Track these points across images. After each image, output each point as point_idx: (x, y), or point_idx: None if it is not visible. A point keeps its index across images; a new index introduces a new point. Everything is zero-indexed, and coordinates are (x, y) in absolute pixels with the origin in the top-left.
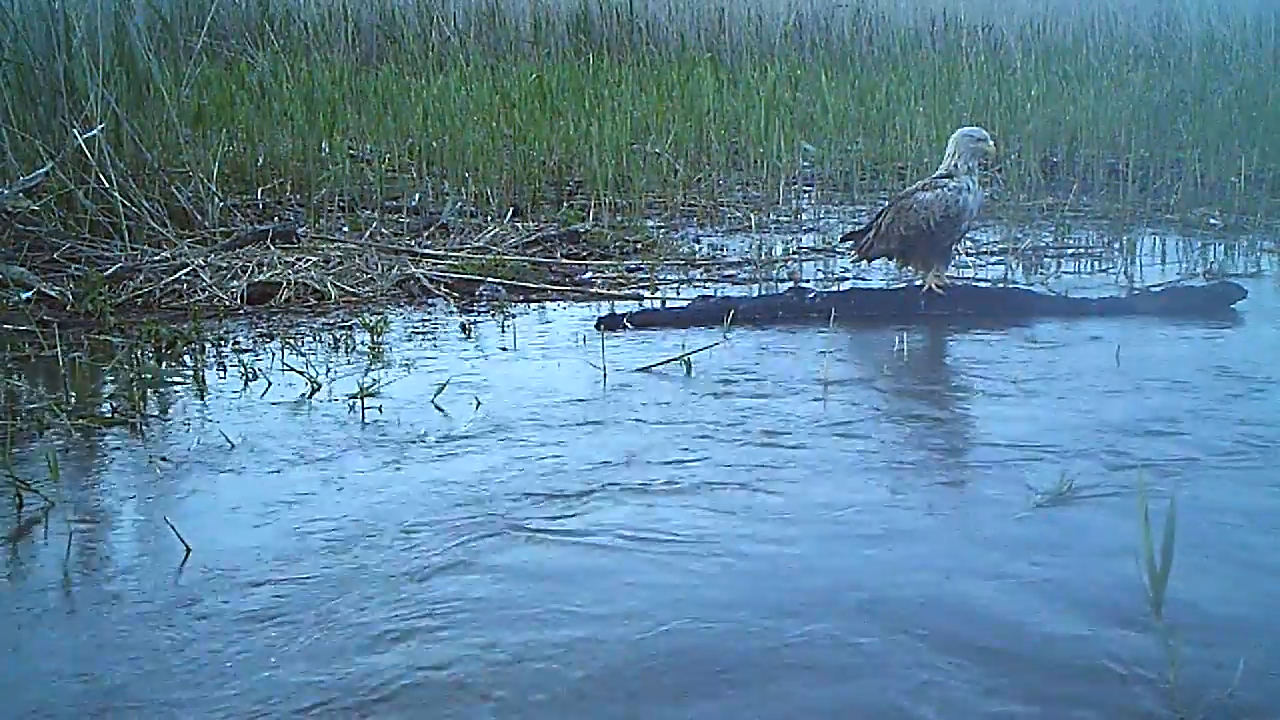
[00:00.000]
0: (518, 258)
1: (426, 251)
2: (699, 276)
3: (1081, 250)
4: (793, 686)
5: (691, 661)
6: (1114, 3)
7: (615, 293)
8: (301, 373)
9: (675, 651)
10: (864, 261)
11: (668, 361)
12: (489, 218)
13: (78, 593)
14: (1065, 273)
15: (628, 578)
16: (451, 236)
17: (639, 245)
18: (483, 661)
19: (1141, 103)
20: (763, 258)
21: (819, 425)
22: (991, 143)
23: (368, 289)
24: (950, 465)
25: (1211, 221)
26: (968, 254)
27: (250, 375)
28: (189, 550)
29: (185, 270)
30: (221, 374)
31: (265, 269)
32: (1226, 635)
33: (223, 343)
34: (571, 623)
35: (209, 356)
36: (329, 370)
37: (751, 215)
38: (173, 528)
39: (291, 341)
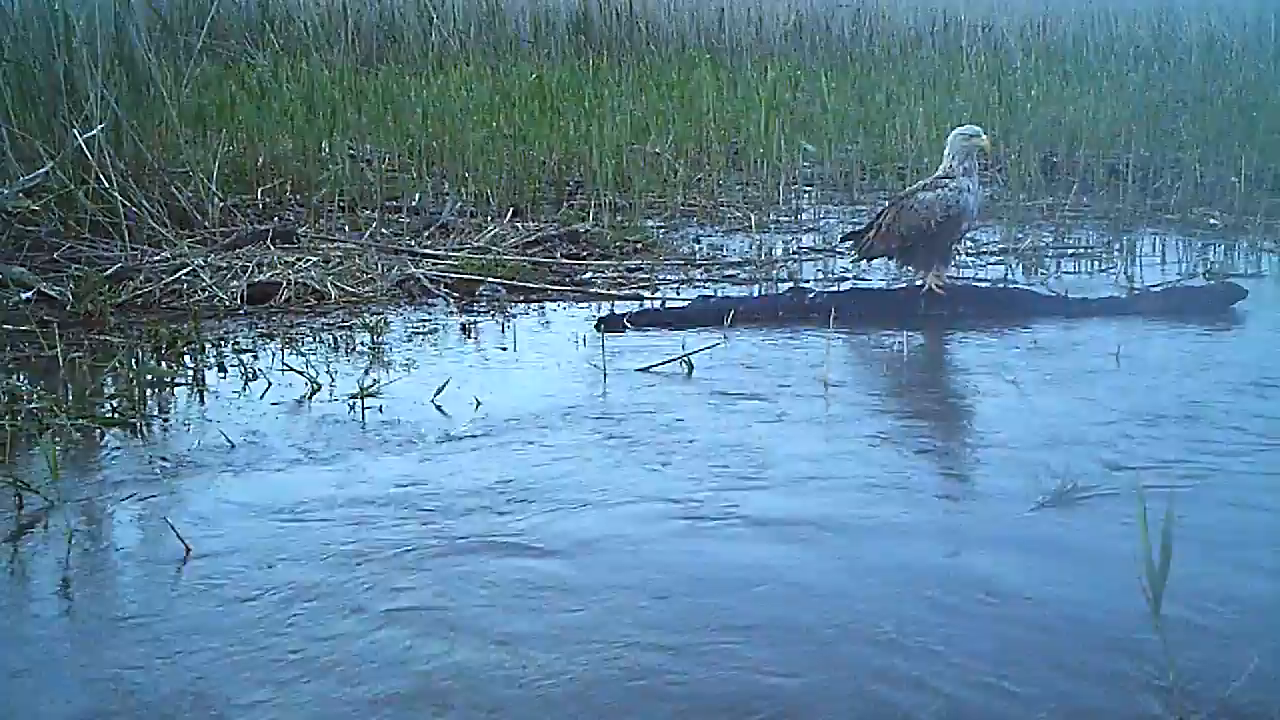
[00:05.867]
0: (518, 258)
1: (426, 251)
2: (699, 276)
3: (1081, 250)
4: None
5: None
6: (1114, 3)
7: (615, 293)
8: (301, 373)
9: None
10: (864, 261)
11: (668, 362)
12: (489, 218)
13: (77, 592)
14: (1065, 273)
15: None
16: (451, 236)
17: (639, 245)
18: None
19: (1141, 103)
20: (763, 258)
21: (820, 426)
22: (985, 137)
23: (368, 289)
24: (951, 465)
25: (1211, 221)
26: (968, 254)
27: (250, 375)
28: (188, 550)
29: (185, 270)
30: (221, 374)
31: (265, 269)
32: (1227, 635)
33: (223, 343)
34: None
35: (209, 356)
36: (329, 370)
37: (751, 215)
38: (172, 528)
39: (291, 341)
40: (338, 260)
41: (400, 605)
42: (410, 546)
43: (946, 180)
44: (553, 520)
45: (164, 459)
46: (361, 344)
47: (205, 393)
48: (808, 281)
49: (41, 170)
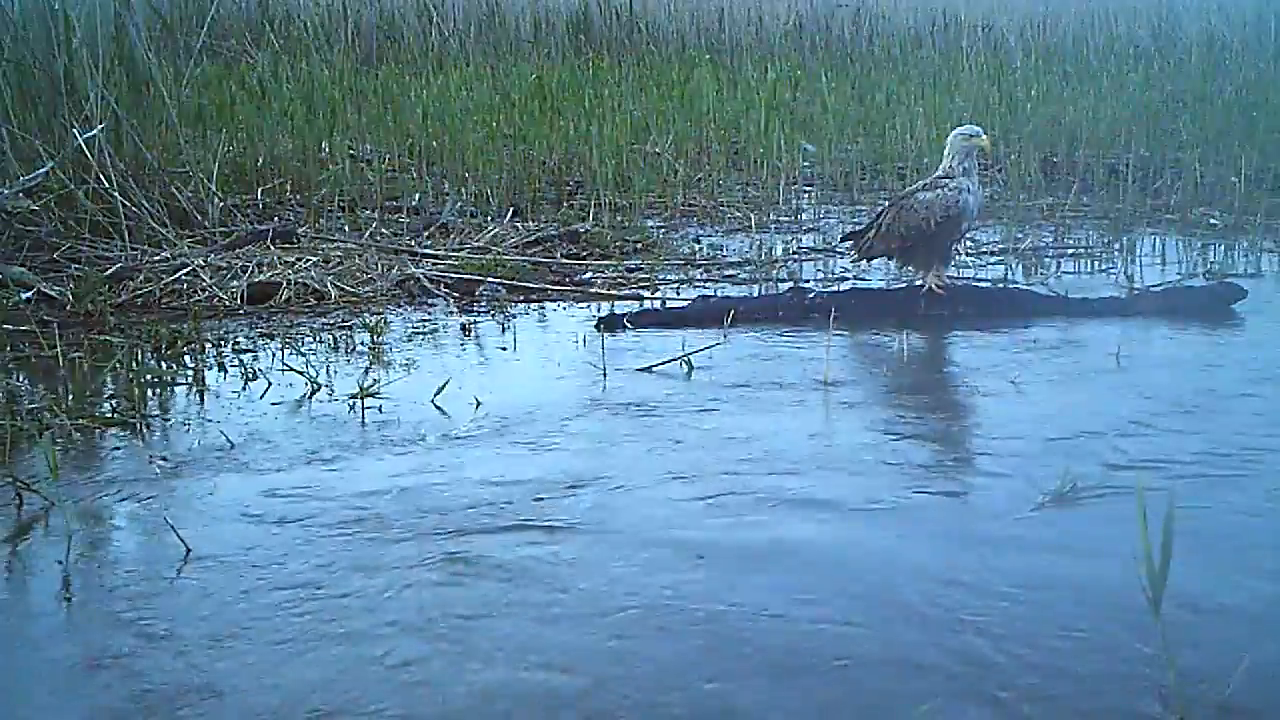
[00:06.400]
0: (518, 258)
1: (426, 251)
2: (699, 276)
3: (1081, 250)
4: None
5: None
6: (1114, 3)
7: (615, 293)
8: (301, 373)
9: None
10: (864, 261)
11: (668, 362)
12: (489, 218)
13: (78, 593)
14: (1065, 273)
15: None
16: (451, 236)
17: (639, 245)
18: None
19: (1141, 103)
20: (763, 258)
21: (819, 425)
22: (984, 136)
23: (368, 289)
24: (951, 465)
25: (1211, 221)
26: (968, 254)
27: (250, 375)
28: (188, 550)
29: (185, 270)
30: (221, 374)
31: (265, 269)
32: (1228, 635)
33: (223, 343)
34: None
35: (209, 356)
36: (329, 370)
37: (751, 215)
38: (172, 528)
39: (291, 341)
40: (338, 260)
41: (401, 603)
42: (411, 543)
43: (946, 180)
44: (549, 513)
45: (164, 459)
46: (361, 344)
47: (205, 393)
48: (808, 281)
49: (41, 170)
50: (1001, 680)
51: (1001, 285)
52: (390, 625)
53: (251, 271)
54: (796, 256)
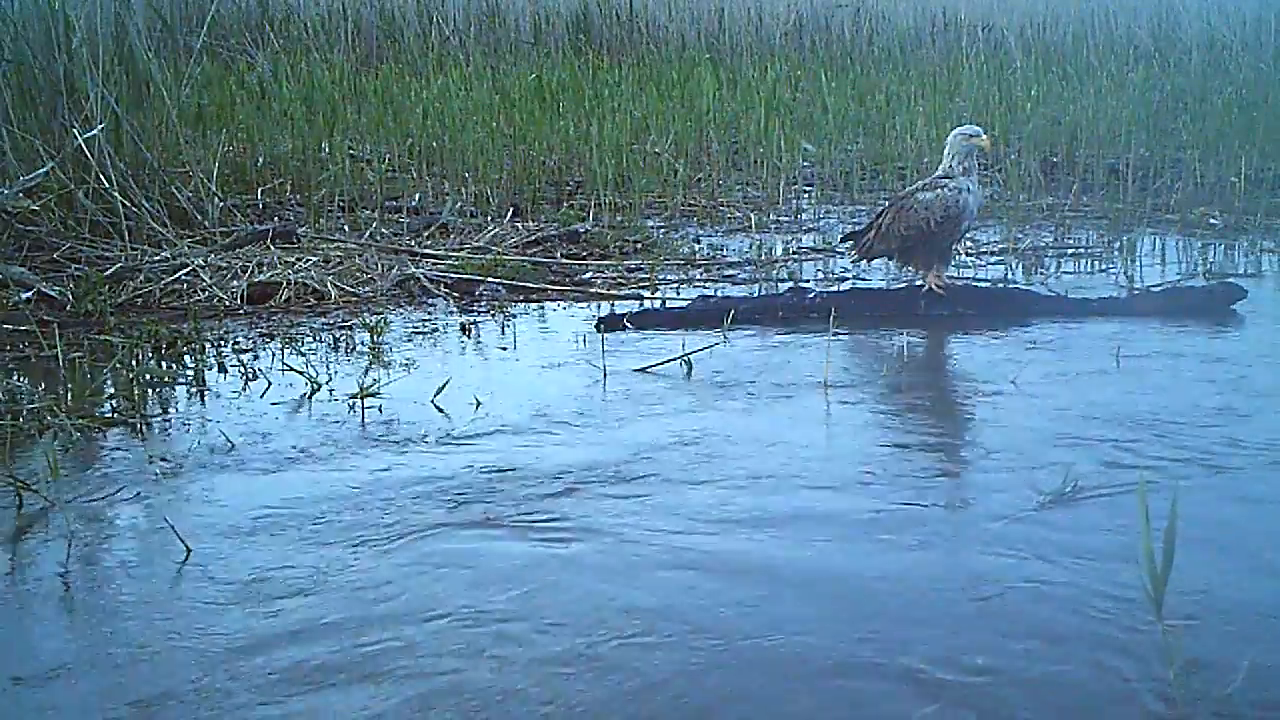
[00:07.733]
0: (518, 258)
1: (426, 251)
2: (699, 276)
3: (1081, 250)
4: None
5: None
6: (1114, 3)
7: (615, 293)
8: (301, 373)
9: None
10: (864, 261)
11: (667, 362)
12: (489, 218)
13: (78, 594)
14: (1065, 273)
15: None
16: (451, 236)
17: (639, 245)
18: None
19: (1141, 103)
20: (763, 258)
21: (819, 426)
22: (985, 136)
23: (368, 289)
24: (950, 464)
25: (1211, 221)
26: (968, 254)
27: (250, 375)
28: (189, 550)
29: (185, 270)
30: (221, 374)
31: (265, 269)
32: (1229, 634)
33: (223, 343)
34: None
35: (209, 356)
36: (329, 370)
37: (751, 215)
38: (172, 528)
39: (291, 341)
40: (338, 260)
41: (398, 601)
42: (411, 542)
43: (946, 180)
44: (550, 510)
45: (164, 459)
46: (361, 344)
47: (205, 393)
48: (808, 281)
49: (41, 170)
50: (1001, 678)
51: (1001, 285)
52: (391, 627)
53: (251, 271)
54: (796, 256)
